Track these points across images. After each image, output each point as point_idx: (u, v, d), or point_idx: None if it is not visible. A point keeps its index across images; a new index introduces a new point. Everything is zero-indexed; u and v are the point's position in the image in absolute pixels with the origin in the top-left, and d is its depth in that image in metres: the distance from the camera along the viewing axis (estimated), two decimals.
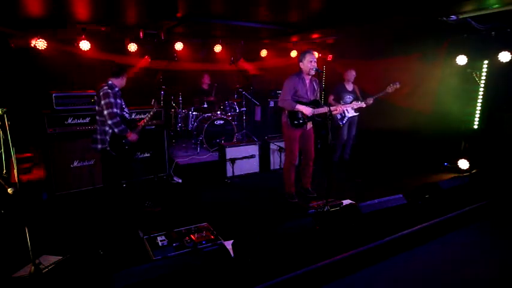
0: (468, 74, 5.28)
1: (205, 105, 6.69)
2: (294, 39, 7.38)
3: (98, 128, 3.81)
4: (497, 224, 3.80)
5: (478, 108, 5.31)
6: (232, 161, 5.41)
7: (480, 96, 5.26)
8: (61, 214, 4.11)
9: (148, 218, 3.95)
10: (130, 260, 2.96)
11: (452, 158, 5.62)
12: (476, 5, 4.21)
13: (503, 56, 4.78)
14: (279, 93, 5.70)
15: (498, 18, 4.62)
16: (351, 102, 5.64)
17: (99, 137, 3.80)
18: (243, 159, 5.55)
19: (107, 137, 3.74)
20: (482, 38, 5.12)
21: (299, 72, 4.17)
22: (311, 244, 2.96)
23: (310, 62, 4.04)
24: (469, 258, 3.14)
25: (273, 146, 5.85)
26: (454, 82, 5.47)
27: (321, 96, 4.72)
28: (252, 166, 5.67)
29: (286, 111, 4.20)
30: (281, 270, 2.55)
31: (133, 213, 4.03)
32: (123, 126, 3.72)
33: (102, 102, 3.65)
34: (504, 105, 5.04)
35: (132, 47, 6.34)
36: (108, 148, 3.76)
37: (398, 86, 5.23)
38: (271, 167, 5.88)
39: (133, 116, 4.99)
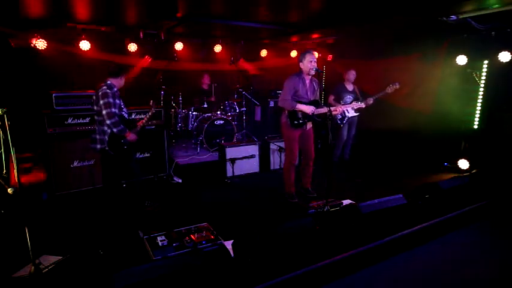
0: (468, 74, 5.29)
1: (205, 105, 6.68)
2: (294, 39, 7.39)
3: (97, 128, 3.81)
4: (497, 224, 3.80)
5: (478, 108, 5.31)
6: (232, 161, 5.41)
7: (480, 96, 5.26)
8: (61, 214, 4.11)
9: (148, 218, 3.95)
10: (130, 260, 2.96)
11: (452, 158, 5.62)
12: (476, 5, 4.21)
13: (503, 56, 4.78)
14: (279, 93, 5.71)
15: (498, 18, 4.62)
16: (351, 103, 5.65)
17: (98, 137, 3.80)
18: (243, 159, 5.55)
19: (106, 137, 3.74)
20: (482, 38, 5.12)
21: (299, 72, 4.17)
22: (311, 244, 2.96)
23: (310, 62, 4.04)
24: (469, 258, 3.14)
25: (273, 146, 5.85)
26: (454, 82, 5.47)
27: (320, 96, 4.73)
28: (252, 166, 5.67)
29: (286, 111, 4.20)
30: (281, 270, 2.55)
31: (133, 213, 4.03)
32: (121, 126, 3.72)
33: (101, 102, 3.65)
34: (504, 105, 5.04)
35: (132, 47, 6.34)
36: (107, 148, 3.76)
37: (397, 86, 5.26)
38: (271, 167, 5.88)
39: (133, 116, 5.00)
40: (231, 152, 5.43)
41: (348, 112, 5.85)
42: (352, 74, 5.91)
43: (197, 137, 6.35)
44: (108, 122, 3.65)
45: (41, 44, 5.43)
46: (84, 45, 5.84)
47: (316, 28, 6.16)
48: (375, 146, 6.84)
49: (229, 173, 5.41)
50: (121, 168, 3.98)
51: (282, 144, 5.50)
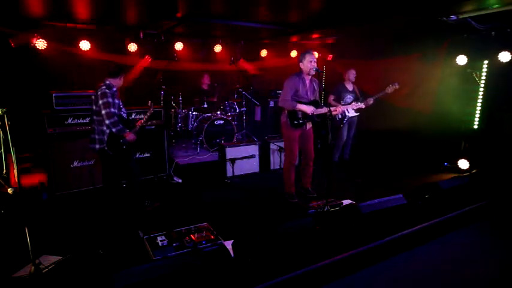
0: (468, 74, 5.29)
1: (205, 105, 6.69)
2: (294, 39, 7.39)
3: (96, 127, 3.81)
4: (497, 224, 3.80)
5: (478, 108, 5.31)
6: (232, 161, 5.41)
7: (480, 96, 5.26)
8: (61, 214, 4.11)
9: (148, 218, 3.95)
10: (130, 260, 2.96)
11: (452, 158, 5.62)
12: (476, 5, 4.21)
13: (503, 56, 4.78)
14: (279, 93, 5.70)
15: (498, 18, 4.62)
16: (351, 103, 5.65)
17: (97, 136, 3.80)
18: (243, 159, 5.55)
19: (105, 137, 3.75)
20: (482, 38, 5.12)
21: (299, 72, 4.17)
22: (311, 244, 2.96)
23: (310, 62, 4.04)
24: (469, 258, 3.14)
25: (273, 146, 5.85)
26: (454, 82, 5.47)
27: (320, 96, 4.73)
28: (252, 166, 5.67)
29: (286, 111, 4.20)
30: (281, 270, 2.55)
31: (133, 213, 4.04)
32: (120, 126, 3.73)
33: (100, 102, 3.65)
34: (504, 105, 5.04)
35: (132, 47, 6.34)
36: (106, 148, 3.76)
37: (397, 86, 5.28)
38: (271, 167, 5.88)
39: (133, 116, 5.00)
40: (231, 152, 5.43)
41: (348, 112, 5.85)
42: (352, 74, 5.91)
43: (197, 137, 6.35)
44: (107, 121, 3.65)
45: (41, 44, 5.43)
46: (84, 45, 5.84)
47: (316, 28, 6.16)
48: (375, 146, 6.84)
49: (229, 173, 5.41)
50: (120, 168, 3.99)
51: (282, 144, 5.50)
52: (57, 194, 4.51)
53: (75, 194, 4.63)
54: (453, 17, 4.62)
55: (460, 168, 5.46)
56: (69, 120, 4.64)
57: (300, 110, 4.12)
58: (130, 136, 3.84)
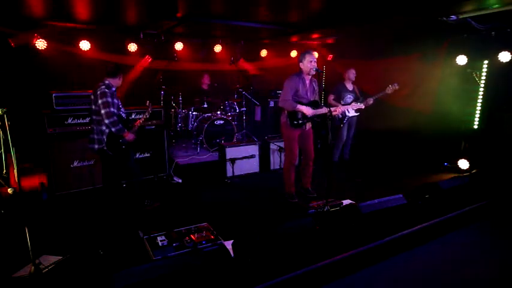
0: (468, 74, 5.29)
1: (205, 105, 6.68)
2: (294, 39, 7.38)
3: (95, 127, 3.81)
4: (497, 224, 3.80)
5: (478, 108, 5.31)
6: (232, 161, 5.41)
7: (480, 96, 5.26)
8: (61, 214, 4.11)
9: (148, 218, 3.95)
10: (130, 260, 2.96)
11: (452, 158, 5.62)
12: (476, 5, 4.21)
13: (503, 56, 4.78)
14: (279, 93, 5.70)
15: (498, 18, 4.62)
16: (351, 102, 5.66)
17: (96, 136, 3.80)
18: (243, 159, 5.55)
19: (104, 137, 3.74)
20: (482, 38, 5.12)
21: (299, 72, 4.17)
22: (311, 244, 2.96)
23: (310, 62, 4.04)
24: (469, 258, 3.14)
25: (273, 146, 5.85)
26: (454, 82, 5.47)
27: (320, 96, 4.73)
28: (252, 166, 5.67)
29: (286, 111, 4.20)
30: (281, 270, 2.55)
31: (133, 213, 4.04)
32: (120, 125, 3.73)
33: (100, 101, 3.65)
34: (504, 105, 5.04)
35: (132, 47, 6.34)
36: (105, 148, 3.76)
37: (397, 87, 5.30)
38: (271, 167, 5.88)
39: (133, 116, 5.00)
40: (231, 152, 5.43)
41: (349, 112, 5.85)
42: (352, 73, 5.91)
43: (197, 137, 6.35)
44: (106, 121, 3.65)
45: (41, 44, 5.43)
46: (84, 45, 5.84)
47: (316, 28, 6.16)
48: (374, 146, 6.84)
49: (229, 173, 5.41)
50: (120, 168, 3.99)
51: (282, 144, 5.50)
52: (57, 194, 4.52)
53: (75, 194, 4.64)
54: (453, 17, 4.62)
55: (460, 168, 5.46)
56: (69, 120, 4.64)
57: (300, 111, 4.13)
58: (129, 136, 3.84)
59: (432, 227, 3.45)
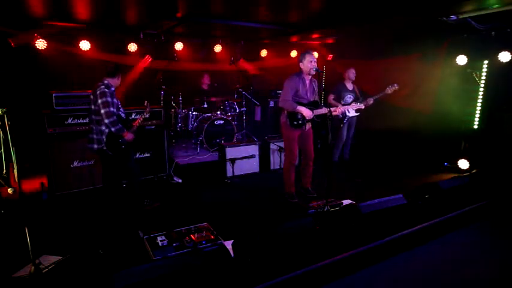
0: (468, 74, 5.29)
1: (205, 105, 6.69)
2: (294, 39, 7.38)
3: (94, 127, 3.81)
4: (497, 224, 3.80)
5: (478, 108, 5.31)
6: (232, 161, 5.41)
7: (480, 96, 5.26)
8: (61, 214, 4.11)
9: (148, 218, 3.95)
10: (130, 260, 2.96)
11: (452, 158, 5.62)
12: (476, 5, 4.21)
13: (503, 56, 4.78)
14: (279, 93, 5.71)
15: (498, 18, 4.62)
16: (351, 102, 5.66)
17: (95, 136, 3.80)
18: (243, 159, 5.55)
19: (103, 137, 3.74)
20: (482, 38, 5.12)
21: (299, 72, 4.17)
22: (311, 244, 2.96)
23: (310, 62, 4.05)
24: (469, 258, 3.14)
25: (273, 146, 5.84)
26: (454, 82, 5.47)
27: (320, 96, 4.73)
28: (252, 166, 5.67)
29: (286, 112, 4.20)
30: (281, 270, 2.55)
31: (133, 213, 4.03)
32: (119, 125, 3.73)
33: (99, 101, 3.65)
34: (504, 105, 5.04)
35: (132, 47, 6.34)
36: (104, 148, 3.76)
37: (397, 87, 5.31)
38: (271, 167, 5.88)
39: (132, 116, 5.00)
40: (231, 152, 5.43)
41: (349, 112, 5.85)
42: (352, 73, 5.91)
43: (197, 137, 6.35)
44: (106, 121, 3.65)
45: (41, 44, 5.43)
46: (84, 45, 5.84)
47: (316, 28, 6.15)
48: (374, 146, 6.84)
49: (229, 173, 5.41)
50: (120, 168, 3.99)
51: (282, 144, 5.49)
52: (57, 194, 4.51)
53: (75, 194, 4.63)
54: (453, 17, 4.62)
55: (460, 168, 5.46)
56: (69, 120, 4.64)
57: (300, 113, 4.13)
58: (128, 136, 3.84)
59: (432, 227, 3.45)
